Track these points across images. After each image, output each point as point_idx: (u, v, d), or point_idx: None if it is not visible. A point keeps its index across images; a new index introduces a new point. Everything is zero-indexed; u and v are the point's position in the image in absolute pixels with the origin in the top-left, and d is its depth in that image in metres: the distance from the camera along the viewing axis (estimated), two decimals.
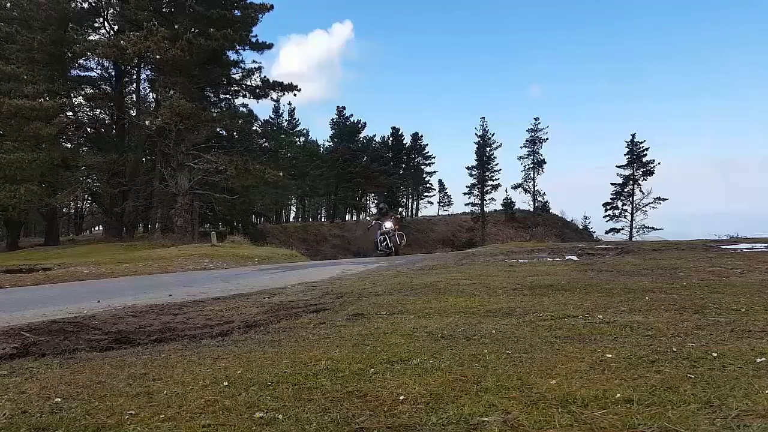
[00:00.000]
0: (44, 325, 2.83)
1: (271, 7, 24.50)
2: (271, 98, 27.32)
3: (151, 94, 30.37)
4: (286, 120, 46.10)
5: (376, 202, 23.93)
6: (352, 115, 48.42)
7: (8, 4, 27.61)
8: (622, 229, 46.42)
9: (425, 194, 56.62)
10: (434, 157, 53.95)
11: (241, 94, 27.30)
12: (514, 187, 49.35)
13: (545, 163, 49.03)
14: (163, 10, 24.55)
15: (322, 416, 1.24)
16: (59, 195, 24.31)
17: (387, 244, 13.52)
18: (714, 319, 2.17)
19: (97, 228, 44.95)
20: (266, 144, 31.31)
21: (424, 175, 54.94)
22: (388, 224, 13.54)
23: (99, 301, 4.05)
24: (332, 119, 48.91)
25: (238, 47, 25.32)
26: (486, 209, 49.10)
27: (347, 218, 52.05)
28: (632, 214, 46.42)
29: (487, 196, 49.30)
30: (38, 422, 1.28)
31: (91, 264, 12.09)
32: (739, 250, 6.30)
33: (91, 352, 2.19)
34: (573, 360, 1.58)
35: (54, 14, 24.70)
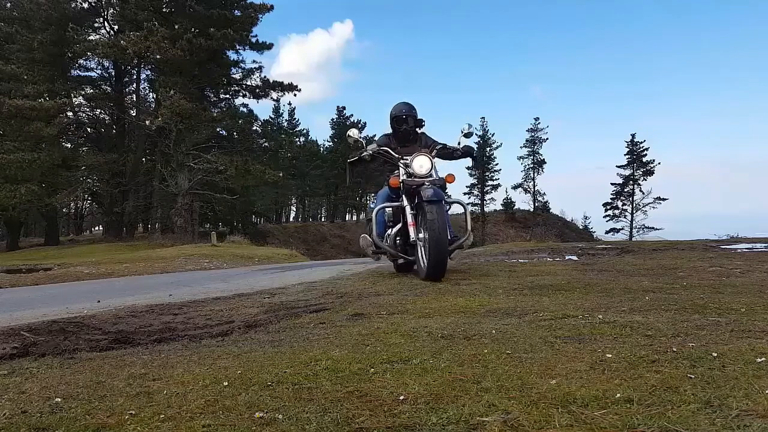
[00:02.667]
0: (44, 325, 2.83)
1: (271, 7, 24.58)
2: (271, 98, 27.48)
3: (151, 94, 30.48)
4: (286, 120, 46.21)
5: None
6: (352, 114, 48.51)
7: (8, 4, 27.68)
8: (622, 229, 46.53)
9: None
10: None
11: (241, 94, 27.40)
12: (514, 187, 49.42)
13: (545, 163, 49.19)
14: (163, 10, 24.60)
15: (322, 416, 1.24)
16: (59, 195, 24.36)
17: (401, 243, 4.39)
18: (714, 319, 2.17)
19: (97, 228, 45.01)
20: (266, 144, 31.36)
21: None
22: (422, 163, 4.15)
23: (99, 301, 4.05)
24: (332, 119, 49.00)
25: (238, 47, 25.40)
26: (486, 209, 49.14)
27: (347, 218, 52.06)
28: (632, 214, 46.51)
29: (487, 196, 49.39)
30: (38, 422, 1.28)
31: (91, 264, 12.10)
32: (739, 250, 6.30)
33: (91, 352, 2.19)
34: (573, 360, 1.58)
35: (54, 14, 24.74)
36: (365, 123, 48.02)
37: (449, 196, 4.55)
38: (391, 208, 4.46)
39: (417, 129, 4.74)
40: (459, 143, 4.50)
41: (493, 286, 3.51)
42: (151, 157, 27.85)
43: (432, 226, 3.73)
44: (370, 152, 4.39)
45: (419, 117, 4.72)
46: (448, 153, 4.57)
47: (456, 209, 5.98)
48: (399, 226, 4.33)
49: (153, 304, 3.70)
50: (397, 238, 4.42)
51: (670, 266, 4.49)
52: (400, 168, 4.29)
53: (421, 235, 3.94)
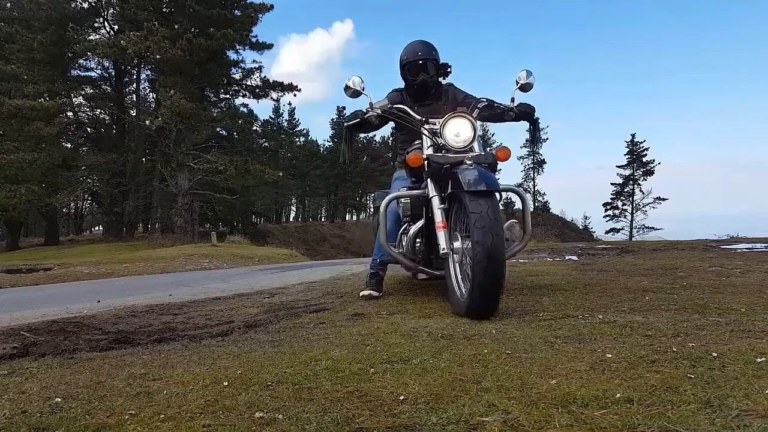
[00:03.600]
0: (44, 325, 2.83)
1: (271, 6, 24.59)
2: (271, 98, 27.47)
3: (151, 94, 30.49)
4: (286, 120, 46.22)
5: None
6: None
7: (8, 4, 27.68)
8: (622, 229, 46.53)
9: None
10: None
11: (241, 94, 27.41)
12: None
13: (545, 163, 49.24)
14: (163, 9, 24.60)
15: (322, 416, 1.24)
16: (59, 195, 24.36)
17: (422, 250, 2.97)
18: (714, 319, 2.17)
19: (97, 228, 45.02)
20: (266, 144, 31.35)
21: None
22: (459, 129, 2.75)
23: (99, 301, 4.06)
24: (332, 119, 48.99)
25: (238, 47, 25.39)
26: None
27: (347, 218, 52.09)
28: (632, 214, 46.51)
29: None
30: (38, 422, 1.28)
31: (91, 264, 12.11)
32: (739, 250, 6.31)
33: (91, 352, 2.19)
34: (573, 360, 1.58)
35: (54, 14, 24.74)
36: None
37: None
38: (408, 198, 2.97)
39: (440, 79, 3.35)
40: (513, 99, 3.06)
41: None
42: (151, 157, 27.86)
43: (481, 234, 2.28)
44: (379, 111, 3.00)
45: (443, 62, 3.33)
46: (496, 114, 3.14)
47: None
48: (421, 222, 2.89)
49: (153, 304, 3.71)
50: (417, 240, 2.98)
51: (670, 266, 4.49)
52: (424, 137, 2.86)
53: (457, 244, 2.60)
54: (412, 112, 2.97)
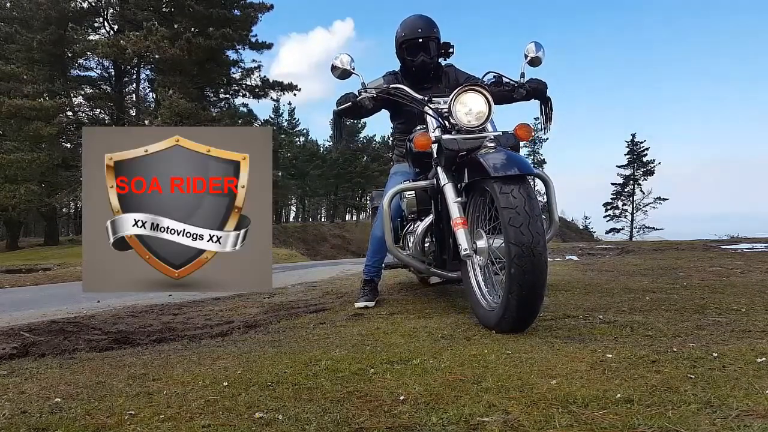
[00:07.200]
0: (44, 325, 2.83)
1: (271, 6, 24.59)
2: (271, 98, 27.43)
3: (150, 94, 30.39)
4: (286, 120, 46.13)
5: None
6: None
7: (8, 4, 27.61)
8: (623, 229, 46.47)
9: None
10: None
11: (241, 94, 27.38)
12: None
13: (545, 162, 49.15)
14: (163, 9, 24.56)
15: (322, 416, 1.24)
16: (59, 195, 24.29)
17: (433, 250, 2.59)
18: (714, 319, 2.17)
19: None
20: None
21: None
22: (472, 105, 2.30)
23: (99, 301, 4.06)
24: (332, 119, 48.84)
25: (237, 47, 25.37)
26: None
27: (347, 218, 52.08)
28: (632, 214, 46.45)
29: None
30: (38, 422, 1.28)
31: None
32: (739, 250, 6.31)
33: (91, 352, 2.19)
34: (573, 360, 1.58)
35: (54, 14, 24.69)
36: (365, 123, 48.03)
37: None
38: (413, 192, 2.66)
39: (441, 60, 3.04)
40: (522, 75, 2.73)
41: None
42: None
43: (518, 230, 1.91)
44: (373, 93, 2.64)
45: (444, 40, 3.00)
46: (505, 91, 2.77)
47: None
48: (430, 219, 2.57)
49: (153, 304, 3.71)
50: (427, 239, 2.69)
51: (670, 266, 4.49)
52: (429, 118, 2.50)
53: (480, 244, 2.23)
54: (412, 92, 2.61)
